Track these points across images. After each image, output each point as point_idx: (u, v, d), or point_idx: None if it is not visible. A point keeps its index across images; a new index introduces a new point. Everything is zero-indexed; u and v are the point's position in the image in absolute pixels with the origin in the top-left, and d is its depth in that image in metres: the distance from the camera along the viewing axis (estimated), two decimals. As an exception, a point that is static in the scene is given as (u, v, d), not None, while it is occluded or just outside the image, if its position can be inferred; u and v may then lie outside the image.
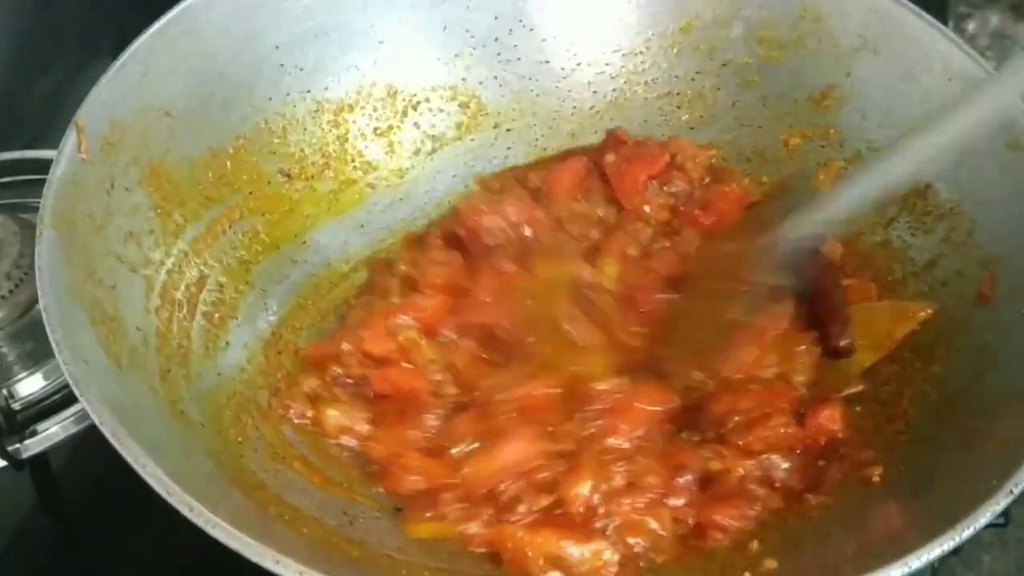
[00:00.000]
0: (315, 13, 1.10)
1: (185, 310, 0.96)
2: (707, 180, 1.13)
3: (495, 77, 1.19)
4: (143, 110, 0.97)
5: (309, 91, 1.12)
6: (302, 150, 1.12)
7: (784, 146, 1.14)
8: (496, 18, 1.17)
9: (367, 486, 0.93)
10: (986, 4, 1.50)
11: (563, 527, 0.85)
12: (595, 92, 1.20)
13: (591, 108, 1.20)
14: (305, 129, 1.12)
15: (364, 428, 0.95)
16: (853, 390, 0.96)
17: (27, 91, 1.35)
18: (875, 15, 1.08)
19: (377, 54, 1.15)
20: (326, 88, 1.13)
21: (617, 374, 0.93)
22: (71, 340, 0.79)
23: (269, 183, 1.09)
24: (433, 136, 1.18)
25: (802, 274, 0.97)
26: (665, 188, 1.11)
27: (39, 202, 0.87)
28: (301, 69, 1.11)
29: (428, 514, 0.87)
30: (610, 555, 0.85)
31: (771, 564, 0.81)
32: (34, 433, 1.01)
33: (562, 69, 1.20)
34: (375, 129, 1.16)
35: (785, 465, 0.91)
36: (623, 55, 1.19)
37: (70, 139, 0.90)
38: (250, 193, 1.07)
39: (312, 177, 1.12)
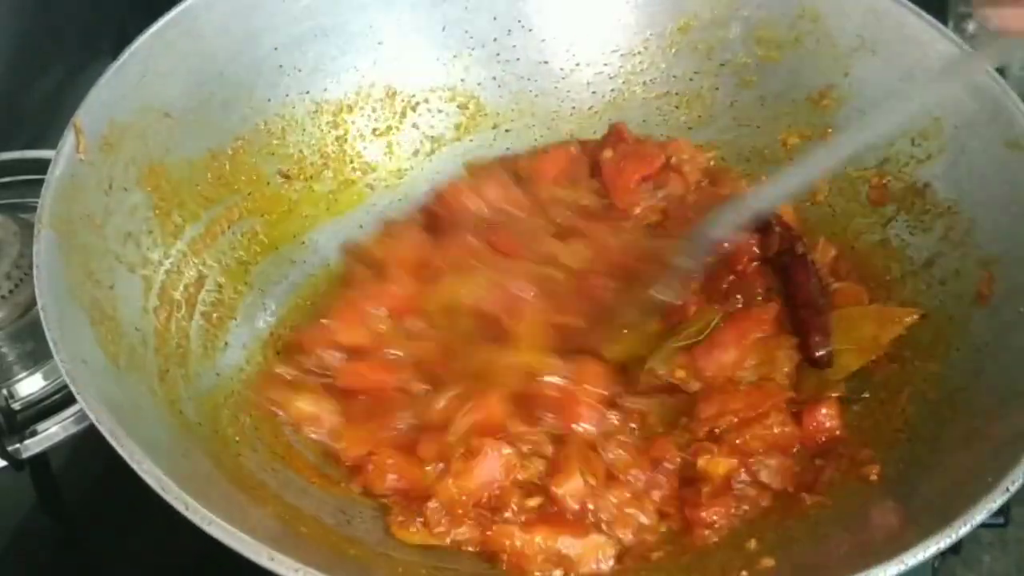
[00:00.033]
0: (314, 14, 1.10)
1: (183, 310, 0.96)
2: (704, 183, 1.13)
3: (494, 78, 1.19)
4: (142, 110, 0.98)
5: (308, 92, 1.12)
6: (301, 151, 1.12)
7: (783, 146, 1.14)
8: (495, 19, 1.17)
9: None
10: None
11: (558, 524, 0.86)
12: (594, 92, 1.20)
13: (590, 108, 1.21)
14: (304, 130, 1.12)
15: (333, 420, 0.95)
16: (834, 395, 0.96)
17: (27, 91, 1.35)
18: (874, 15, 1.08)
19: (376, 55, 1.15)
20: (325, 89, 1.13)
21: (553, 352, 0.95)
22: (69, 340, 0.79)
23: (268, 184, 1.09)
24: (432, 137, 1.18)
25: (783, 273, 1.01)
26: (659, 191, 1.11)
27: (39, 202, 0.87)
28: (300, 70, 1.11)
29: (418, 520, 0.87)
30: (607, 548, 0.86)
31: (768, 562, 0.81)
32: (34, 433, 1.01)
33: (561, 69, 1.20)
34: (374, 130, 1.16)
35: (777, 464, 0.91)
36: (621, 55, 1.19)
37: (68, 139, 0.90)
38: (249, 194, 1.07)
39: (311, 178, 1.12)
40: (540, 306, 0.99)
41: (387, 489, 0.90)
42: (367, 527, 0.87)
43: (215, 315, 0.99)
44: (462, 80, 1.18)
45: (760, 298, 1.02)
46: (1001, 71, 1.02)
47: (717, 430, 0.93)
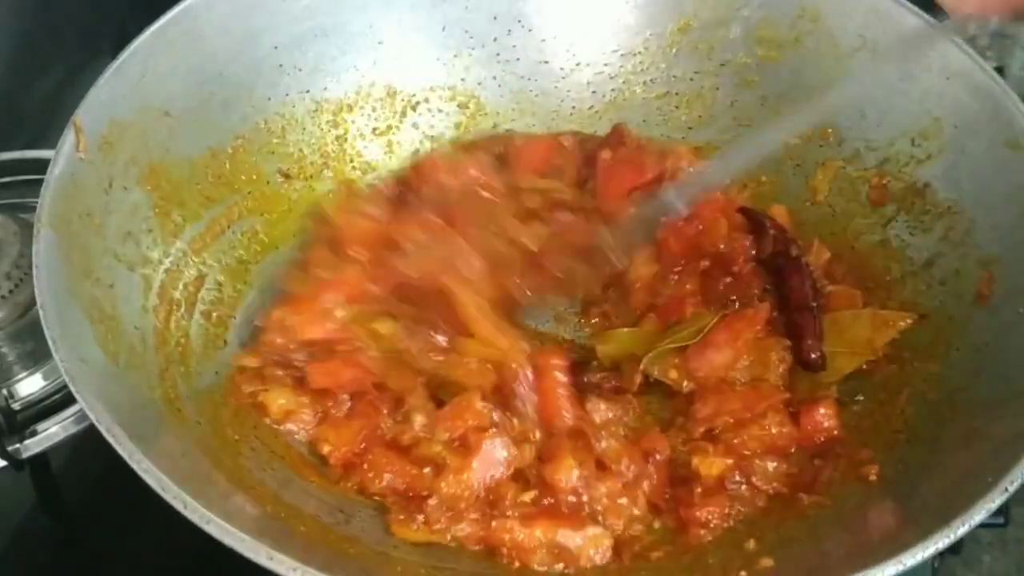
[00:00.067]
0: (314, 14, 1.10)
1: (183, 309, 0.96)
2: None
3: (494, 77, 1.19)
4: (142, 109, 0.98)
5: (308, 91, 1.12)
6: (301, 150, 1.12)
7: (783, 145, 1.14)
8: (495, 18, 1.17)
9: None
10: (986, 4, 1.49)
11: (556, 516, 0.87)
12: (594, 92, 1.20)
13: (590, 108, 1.21)
14: (304, 129, 1.12)
15: (312, 418, 0.95)
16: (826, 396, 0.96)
17: (27, 91, 1.35)
18: (875, 15, 1.08)
19: (376, 54, 1.15)
20: (325, 88, 1.13)
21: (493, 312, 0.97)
22: (68, 338, 0.80)
23: (268, 183, 1.09)
24: (432, 136, 1.19)
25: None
26: None
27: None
28: (300, 69, 1.11)
29: (419, 518, 0.87)
30: (604, 539, 0.86)
31: (767, 562, 0.81)
32: (34, 433, 1.01)
33: (561, 69, 1.20)
34: (374, 129, 1.17)
35: (773, 465, 0.91)
36: (622, 55, 1.19)
37: (68, 138, 0.90)
38: (249, 193, 1.07)
39: (311, 177, 1.12)
40: (487, 277, 0.99)
41: (384, 488, 0.90)
42: (366, 526, 0.87)
43: (215, 314, 1.00)
44: (462, 80, 1.19)
45: (757, 299, 1.02)
46: (1001, 71, 1.02)
47: (715, 430, 0.93)
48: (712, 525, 0.88)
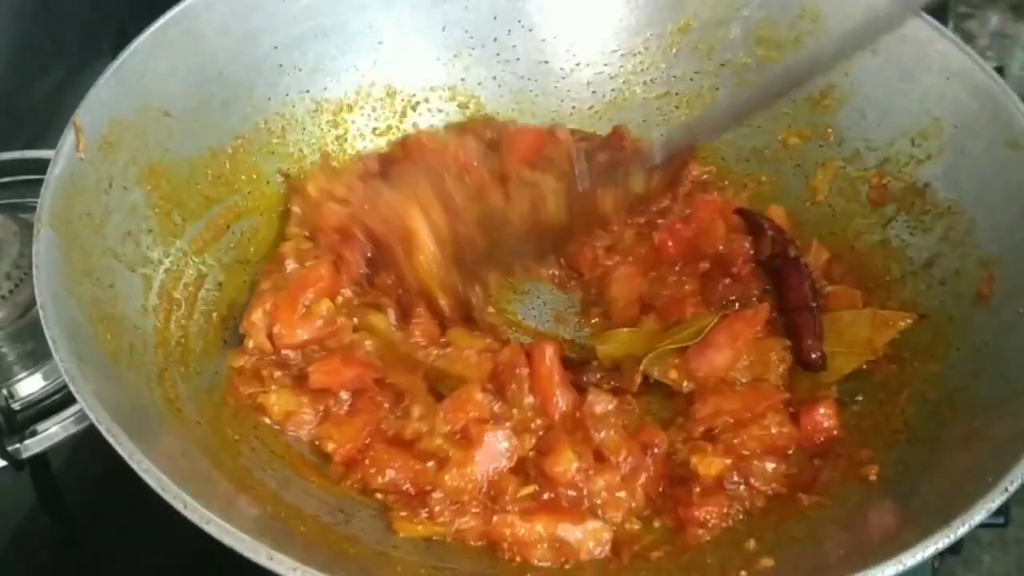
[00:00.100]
0: (314, 14, 1.11)
1: (183, 309, 0.96)
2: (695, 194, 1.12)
3: (494, 77, 1.19)
4: (142, 109, 0.98)
5: (308, 91, 1.12)
6: (301, 150, 1.12)
7: (783, 146, 1.14)
8: (495, 18, 1.17)
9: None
10: (986, 4, 1.50)
11: (557, 511, 0.87)
12: (594, 92, 1.21)
13: (590, 108, 1.21)
14: (304, 129, 1.13)
15: (313, 417, 0.95)
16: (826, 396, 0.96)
17: (27, 91, 1.35)
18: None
19: (376, 54, 1.15)
20: (325, 88, 1.13)
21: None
22: (68, 338, 0.79)
23: (268, 183, 1.09)
24: (432, 136, 1.18)
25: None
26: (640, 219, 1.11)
27: (39, 202, 0.87)
28: (300, 69, 1.11)
29: (422, 513, 0.87)
30: (603, 533, 0.87)
31: (767, 562, 0.81)
32: (34, 433, 1.01)
33: (561, 69, 1.20)
34: (374, 129, 1.17)
35: (772, 466, 0.91)
36: (622, 55, 1.19)
37: (68, 138, 0.90)
38: (249, 193, 1.07)
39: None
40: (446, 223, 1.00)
41: (386, 484, 0.90)
42: (366, 526, 0.87)
43: (215, 314, 1.00)
44: (462, 79, 1.19)
45: (756, 300, 1.03)
46: (1001, 71, 1.03)
47: (715, 430, 0.93)
48: (710, 525, 0.88)
